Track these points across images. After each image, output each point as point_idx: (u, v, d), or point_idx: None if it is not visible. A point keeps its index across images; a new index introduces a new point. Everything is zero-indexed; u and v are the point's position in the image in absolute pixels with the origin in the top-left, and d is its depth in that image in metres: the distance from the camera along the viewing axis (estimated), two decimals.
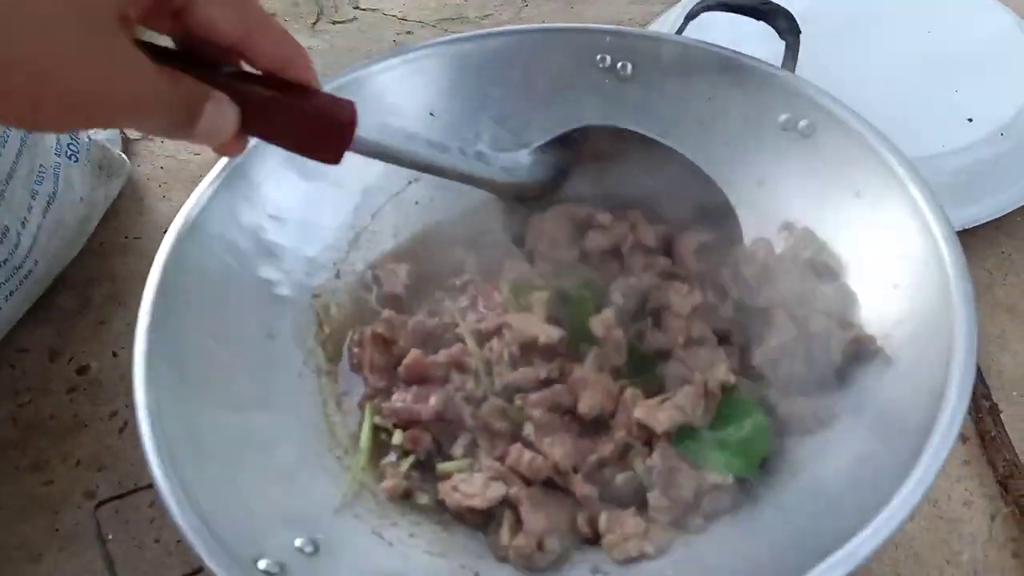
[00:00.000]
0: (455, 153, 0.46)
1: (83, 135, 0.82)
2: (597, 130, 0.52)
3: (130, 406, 0.67)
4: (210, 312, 0.50)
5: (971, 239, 0.78)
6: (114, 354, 0.75)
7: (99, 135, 0.90)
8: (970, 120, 0.81)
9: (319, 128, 0.38)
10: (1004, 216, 0.79)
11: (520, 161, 0.51)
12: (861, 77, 0.84)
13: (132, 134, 0.95)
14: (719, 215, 0.52)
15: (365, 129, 0.39)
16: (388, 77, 0.60)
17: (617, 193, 0.53)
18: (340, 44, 1.08)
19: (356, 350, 0.56)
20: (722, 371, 0.49)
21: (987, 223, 0.78)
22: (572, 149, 0.52)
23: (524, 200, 0.52)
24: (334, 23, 1.12)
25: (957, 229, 0.75)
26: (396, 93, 0.61)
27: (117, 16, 0.30)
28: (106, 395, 0.72)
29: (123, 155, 0.89)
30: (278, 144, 0.38)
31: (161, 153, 0.94)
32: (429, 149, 0.44)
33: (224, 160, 0.54)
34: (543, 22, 1.08)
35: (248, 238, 0.54)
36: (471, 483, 0.47)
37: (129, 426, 0.69)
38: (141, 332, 0.46)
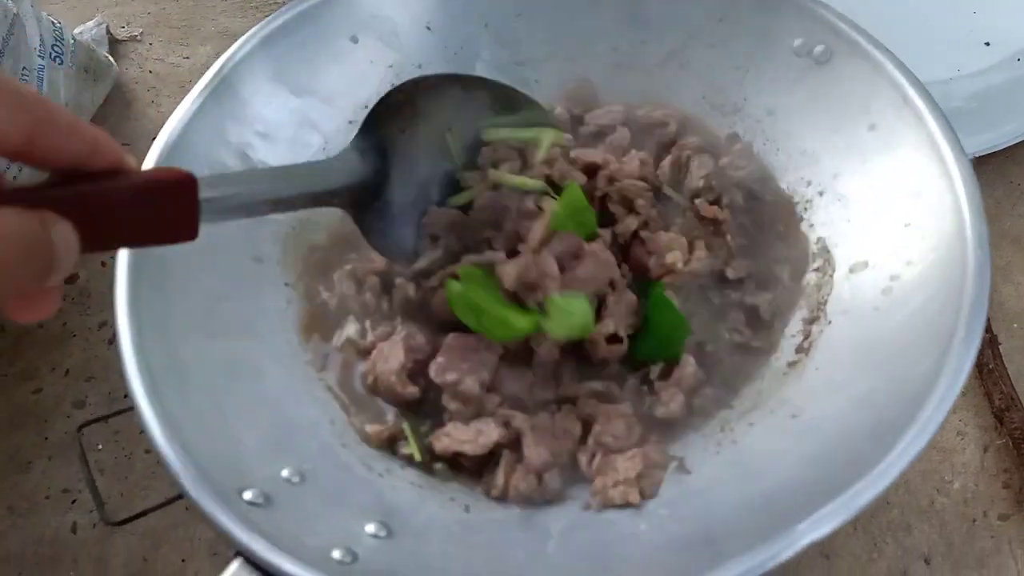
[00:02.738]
0: (301, 174, 0.42)
1: (68, 35, 0.79)
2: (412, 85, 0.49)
3: None
4: None
5: (980, 167, 0.76)
6: (103, 264, 0.74)
7: (85, 35, 0.87)
8: (987, 44, 0.80)
9: (161, 206, 0.31)
10: (1015, 144, 0.76)
11: (350, 157, 0.45)
12: None
13: (120, 34, 0.92)
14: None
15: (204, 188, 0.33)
16: None
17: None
18: None
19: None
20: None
21: (998, 152, 0.76)
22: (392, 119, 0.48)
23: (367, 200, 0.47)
24: None
25: None
26: (392, 5, 0.58)
27: None
28: (95, 305, 0.71)
29: (110, 57, 0.87)
30: (124, 244, 0.33)
31: (150, 56, 0.91)
32: (275, 182, 0.41)
33: (211, 72, 0.51)
34: None
35: (235, 156, 0.51)
36: (464, 430, 0.45)
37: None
38: (122, 256, 0.44)
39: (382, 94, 0.48)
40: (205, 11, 0.96)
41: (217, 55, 0.90)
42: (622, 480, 0.43)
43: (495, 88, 0.52)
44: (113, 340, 0.67)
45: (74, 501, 0.62)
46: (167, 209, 0.31)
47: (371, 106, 0.47)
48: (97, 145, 0.29)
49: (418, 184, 0.49)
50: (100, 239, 0.29)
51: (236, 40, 0.90)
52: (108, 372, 0.67)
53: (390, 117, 0.47)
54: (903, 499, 0.59)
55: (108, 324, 0.70)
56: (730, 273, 0.52)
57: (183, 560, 0.59)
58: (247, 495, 0.39)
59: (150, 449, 0.60)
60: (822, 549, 0.57)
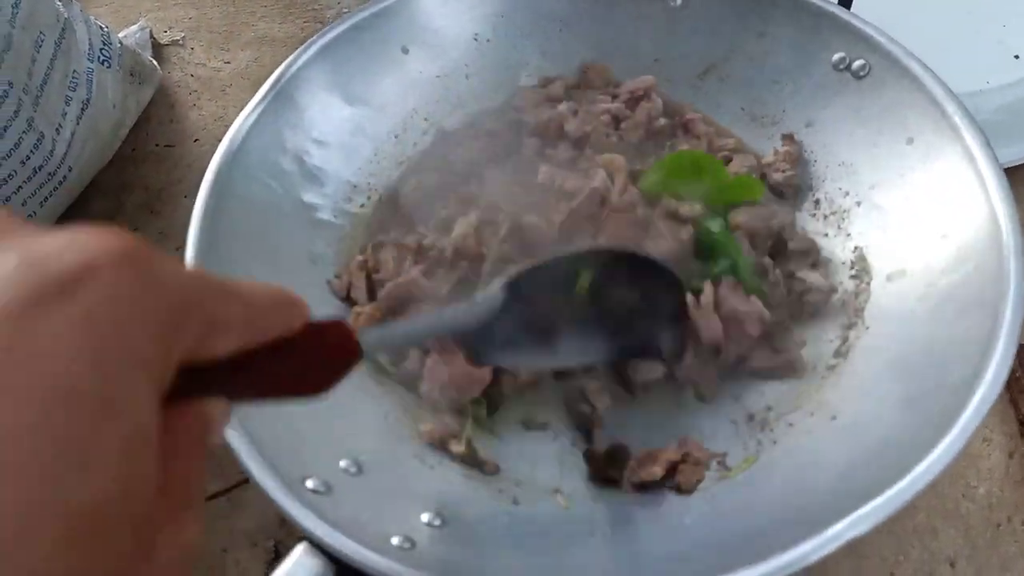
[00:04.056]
0: (447, 314, 0.41)
1: (115, 39, 0.81)
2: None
3: None
4: (255, 236, 0.50)
5: (1008, 179, 0.77)
6: None
7: (129, 39, 0.89)
8: (1016, 57, 0.80)
9: (325, 371, 0.30)
10: None
11: (493, 299, 0.42)
12: (905, 9, 0.82)
13: (162, 38, 0.94)
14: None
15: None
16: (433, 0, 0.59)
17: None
18: None
19: (335, 280, 0.54)
20: None
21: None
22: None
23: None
24: None
25: None
26: (442, 16, 0.60)
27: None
28: None
29: (154, 61, 0.88)
30: (262, 401, 0.29)
31: (191, 60, 0.92)
32: (426, 326, 0.40)
33: (270, 81, 0.53)
34: None
35: (292, 162, 0.53)
36: None
37: None
38: (190, 257, 0.46)
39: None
40: (245, 16, 0.97)
41: (257, 60, 0.92)
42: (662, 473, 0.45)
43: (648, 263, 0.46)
44: None
45: None
46: (325, 376, 0.30)
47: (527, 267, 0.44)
48: (291, 320, 0.27)
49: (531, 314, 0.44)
50: (244, 400, 0.28)
51: (276, 45, 0.93)
52: None
53: (537, 273, 0.44)
54: (929, 503, 0.60)
55: None
56: (792, 245, 0.54)
57: (224, 550, 0.60)
58: (309, 483, 0.41)
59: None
60: (851, 550, 0.58)
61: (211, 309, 0.23)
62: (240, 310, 0.25)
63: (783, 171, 0.57)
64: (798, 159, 0.57)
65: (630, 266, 0.45)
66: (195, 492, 0.24)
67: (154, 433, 0.21)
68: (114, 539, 0.19)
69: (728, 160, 0.58)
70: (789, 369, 0.50)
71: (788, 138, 0.58)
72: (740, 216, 0.54)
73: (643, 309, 0.46)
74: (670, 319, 0.47)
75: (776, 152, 0.58)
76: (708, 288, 0.50)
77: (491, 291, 0.43)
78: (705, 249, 0.53)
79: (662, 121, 0.60)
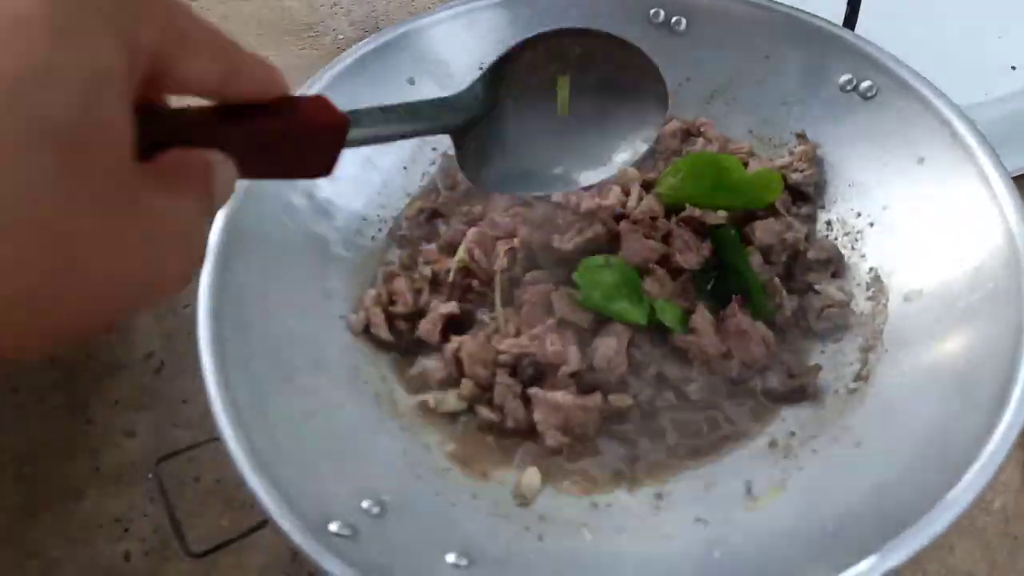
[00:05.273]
0: (428, 109, 0.42)
1: None
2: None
3: (165, 348, 0.68)
4: (268, 273, 0.50)
5: None
6: None
7: None
8: (1013, 68, 0.80)
9: (313, 141, 0.32)
10: None
11: (469, 97, 0.46)
12: (901, 21, 0.82)
13: None
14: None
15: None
16: (438, 31, 0.59)
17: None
18: None
19: (352, 316, 0.54)
20: None
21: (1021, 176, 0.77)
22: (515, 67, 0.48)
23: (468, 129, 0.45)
24: None
25: None
26: (445, 47, 0.60)
27: (131, 152, 0.23)
28: (141, 337, 0.72)
29: None
30: (268, 176, 0.32)
31: None
32: (404, 123, 0.39)
33: None
34: None
35: (302, 196, 0.53)
36: None
37: (166, 367, 0.69)
38: (204, 295, 0.46)
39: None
40: (240, 41, 0.97)
41: None
42: None
43: (622, 47, 0.48)
44: (161, 370, 0.69)
45: (126, 530, 0.62)
46: (316, 150, 0.32)
47: (500, 55, 0.47)
48: (270, 82, 0.30)
49: (522, 124, 0.47)
50: (249, 172, 0.30)
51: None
52: (157, 402, 0.68)
53: (513, 65, 0.48)
54: None
55: (154, 355, 0.71)
56: (812, 254, 0.54)
57: None
58: (333, 527, 0.40)
59: (199, 477, 0.62)
60: None
61: (175, 12, 0.25)
62: (209, 36, 0.26)
63: (801, 171, 0.57)
64: (814, 157, 0.57)
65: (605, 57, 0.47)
66: (191, 226, 0.26)
67: (119, 83, 0.22)
68: (91, 168, 0.21)
69: (744, 164, 0.58)
70: (804, 394, 0.50)
71: (801, 137, 0.58)
72: (755, 231, 0.54)
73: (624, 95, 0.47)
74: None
75: (791, 153, 0.58)
76: (700, 309, 0.51)
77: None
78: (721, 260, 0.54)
79: (674, 123, 0.60)
